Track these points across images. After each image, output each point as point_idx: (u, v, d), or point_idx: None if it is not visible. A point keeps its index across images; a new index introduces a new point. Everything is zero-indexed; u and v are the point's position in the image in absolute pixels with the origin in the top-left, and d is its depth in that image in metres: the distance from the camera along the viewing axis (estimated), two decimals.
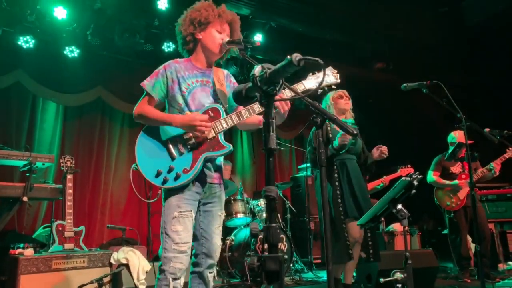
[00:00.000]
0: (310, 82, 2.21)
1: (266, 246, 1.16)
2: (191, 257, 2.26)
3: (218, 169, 2.31)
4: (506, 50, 6.46)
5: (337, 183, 3.61)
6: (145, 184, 1.98)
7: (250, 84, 1.34)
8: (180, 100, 2.23)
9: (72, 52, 5.75)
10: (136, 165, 2.17)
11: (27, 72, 5.67)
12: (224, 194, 2.37)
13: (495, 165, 4.68)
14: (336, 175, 3.64)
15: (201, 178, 2.20)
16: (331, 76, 2.29)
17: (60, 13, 5.14)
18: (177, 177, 2.10)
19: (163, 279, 2.06)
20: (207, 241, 2.23)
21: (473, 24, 6.16)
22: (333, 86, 2.30)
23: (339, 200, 3.55)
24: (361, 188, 3.64)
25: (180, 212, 2.10)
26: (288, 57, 1.21)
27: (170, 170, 2.11)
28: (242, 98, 1.38)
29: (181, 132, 2.17)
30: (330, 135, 3.75)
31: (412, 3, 5.98)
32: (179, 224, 2.09)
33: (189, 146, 2.16)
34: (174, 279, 2.06)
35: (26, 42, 5.39)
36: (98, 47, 5.87)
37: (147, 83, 2.24)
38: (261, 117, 2.29)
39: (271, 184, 1.21)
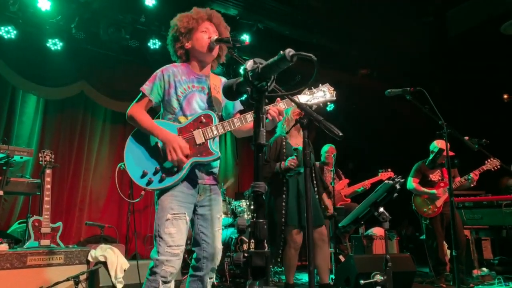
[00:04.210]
0: (305, 97, 2.23)
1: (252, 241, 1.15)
2: (190, 261, 2.24)
3: (211, 170, 2.30)
4: (486, 60, 6.65)
5: (284, 195, 3.84)
6: (131, 184, 1.95)
7: (241, 79, 1.33)
8: (175, 104, 2.22)
9: (55, 44, 5.64)
10: (124, 164, 2.14)
11: (7, 63, 5.53)
12: (220, 196, 2.35)
13: (474, 176, 4.79)
14: (284, 187, 3.87)
15: (193, 180, 2.18)
16: (327, 93, 2.30)
17: (44, 4, 5.04)
18: (161, 180, 2.09)
19: (153, 280, 2.02)
20: (208, 245, 2.20)
21: (455, 35, 6.31)
22: (328, 103, 2.33)
23: (283, 210, 3.80)
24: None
25: (174, 214, 2.07)
26: (281, 52, 1.20)
27: (156, 172, 2.10)
28: (232, 93, 1.37)
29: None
30: (284, 150, 3.88)
31: (398, 12, 6.09)
32: (173, 227, 2.05)
33: None
34: (165, 282, 2.03)
35: (7, 32, 5.27)
36: (82, 40, 5.78)
37: (146, 88, 2.21)
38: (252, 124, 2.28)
39: (259, 180, 1.21)
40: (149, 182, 2.08)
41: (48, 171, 3.84)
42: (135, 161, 2.14)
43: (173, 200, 2.10)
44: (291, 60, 1.20)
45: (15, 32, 5.29)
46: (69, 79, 6.05)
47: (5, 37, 5.27)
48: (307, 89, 2.25)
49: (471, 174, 4.78)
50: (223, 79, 2.45)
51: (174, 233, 2.05)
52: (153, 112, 2.30)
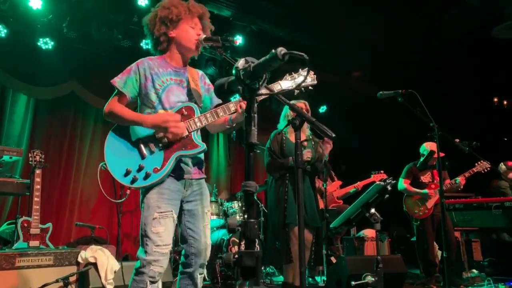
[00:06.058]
0: (287, 83, 2.21)
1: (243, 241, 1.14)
2: (180, 258, 2.21)
3: (197, 163, 2.25)
4: (479, 63, 6.72)
5: (286, 190, 3.80)
6: (114, 183, 1.91)
7: (233, 77, 1.33)
8: (153, 97, 2.16)
9: (46, 44, 5.58)
10: (105, 163, 2.07)
11: None
12: (207, 190, 2.30)
13: (461, 180, 4.85)
14: (286, 184, 3.83)
15: (179, 175, 2.14)
16: (308, 77, 2.30)
17: (35, 3, 5.00)
18: (146, 176, 2.02)
19: (140, 281, 1.99)
20: (195, 241, 2.16)
21: (450, 38, 6.36)
22: (310, 88, 2.32)
23: (285, 206, 3.76)
24: (308, 195, 3.85)
25: (161, 212, 2.03)
26: (273, 50, 1.20)
27: (139, 169, 2.03)
28: (224, 91, 1.37)
29: (153, 131, 2.11)
30: (284, 145, 3.87)
31: (392, 15, 6.12)
32: (160, 225, 2.01)
33: (160, 145, 2.10)
34: (152, 282, 1.99)
35: None
36: (73, 40, 5.73)
37: (118, 80, 2.16)
38: (227, 116, 2.26)
39: (250, 179, 1.20)
40: (133, 180, 2.02)
41: (38, 171, 3.79)
42: (117, 158, 2.07)
43: (160, 198, 2.05)
44: (282, 59, 1.20)
45: (5, 31, 5.23)
46: (60, 78, 5.98)
47: None
48: (288, 74, 2.24)
49: (459, 178, 4.84)
50: (201, 72, 2.42)
51: (161, 232, 2.01)
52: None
